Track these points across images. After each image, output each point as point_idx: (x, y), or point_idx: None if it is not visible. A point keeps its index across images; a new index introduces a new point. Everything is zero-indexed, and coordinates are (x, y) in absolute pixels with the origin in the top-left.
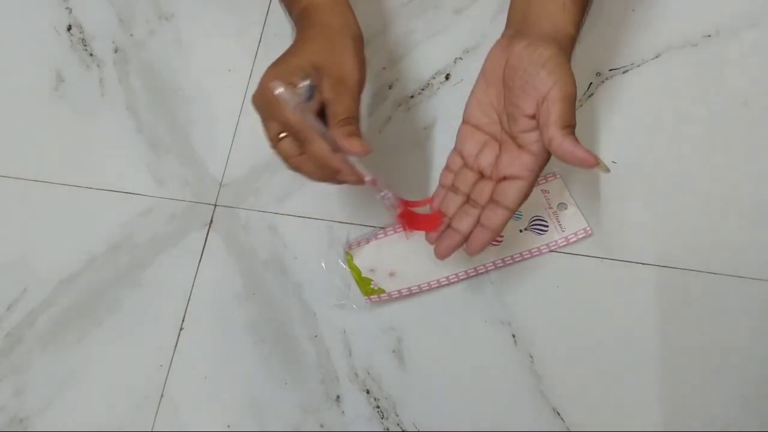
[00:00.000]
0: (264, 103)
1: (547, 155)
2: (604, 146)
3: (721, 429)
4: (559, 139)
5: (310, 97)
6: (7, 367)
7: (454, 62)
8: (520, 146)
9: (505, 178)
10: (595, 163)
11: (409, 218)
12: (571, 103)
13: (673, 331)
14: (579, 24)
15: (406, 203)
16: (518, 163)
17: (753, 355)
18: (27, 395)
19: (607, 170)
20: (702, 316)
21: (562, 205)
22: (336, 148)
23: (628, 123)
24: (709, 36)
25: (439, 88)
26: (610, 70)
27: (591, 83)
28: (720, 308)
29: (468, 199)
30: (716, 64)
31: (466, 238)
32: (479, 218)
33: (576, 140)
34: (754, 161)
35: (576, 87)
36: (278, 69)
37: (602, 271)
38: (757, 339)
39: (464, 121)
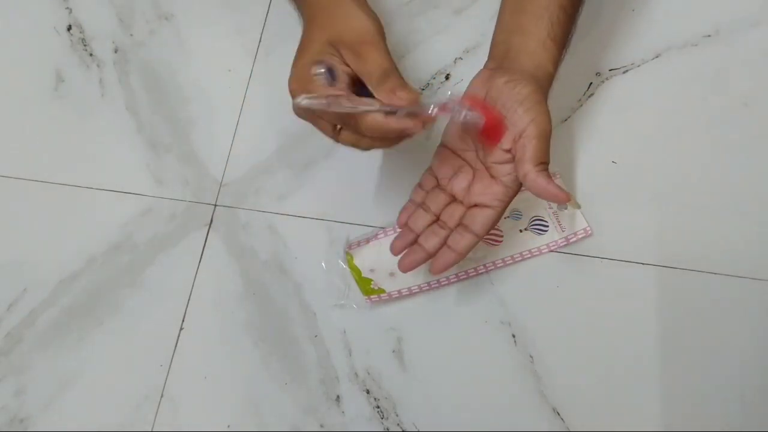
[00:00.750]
0: (302, 111)
1: (517, 187)
2: (604, 146)
3: (721, 429)
4: (533, 175)
5: (332, 78)
6: (7, 367)
7: (454, 62)
8: (493, 176)
9: (476, 205)
10: (567, 199)
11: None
12: (545, 141)
13: (673, 331)
14: (558, 62)
15: (485, 109)
16: (490, 193)
17: (753, 355)
18: (27, 395)
19: (578, 206)
20: (702, 316)
21: (562, 205)
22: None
23: (628, 123)
24: (709, 36)
25: (439, 88)
26: (610, 70)
27: (591, 83)
28: (720, 308)
29: (437, 219)
30: (716, 64)
31: (431, 256)
32: (446, 240)
33: (549, 176)
34: (754, 161)
35: (551, 125)
36: (298, 71)
37: (602, 271)
38: (757, 339)
39: (442, 144)
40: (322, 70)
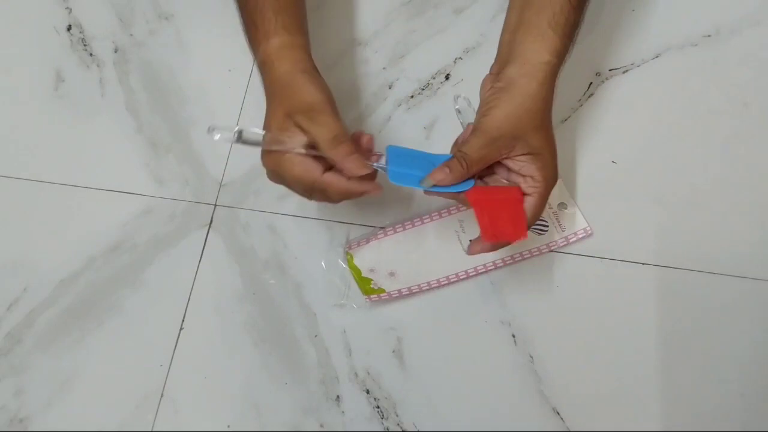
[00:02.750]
0: (277, 179)
1: (541, 176)
2: (604, 146)
3: (721, 429)
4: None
5: (239, 138)
6: (7, 367)
7: (454, 62)
8: (521, 174)
9: None
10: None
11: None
12: (476, 136)
13: (673, 331)
14: (559, 51)
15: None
16: (523, 185)
17: (753, 354)
18: (27, 395)
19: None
20: (702, 316)
21: (562, 205)
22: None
23: (628, 123)
24: (709, 36)
25: (439, 88)
26: (610, 70)
27: (591, 83)
28: (720, 308)
29: None
30: (716, 64)
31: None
32: None
33: (456, 166)
34: (754, 161)
35: (496, 124)
36: (269, 152)
37: (602, 271)
38: (757, 339)
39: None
40: (235, 129)
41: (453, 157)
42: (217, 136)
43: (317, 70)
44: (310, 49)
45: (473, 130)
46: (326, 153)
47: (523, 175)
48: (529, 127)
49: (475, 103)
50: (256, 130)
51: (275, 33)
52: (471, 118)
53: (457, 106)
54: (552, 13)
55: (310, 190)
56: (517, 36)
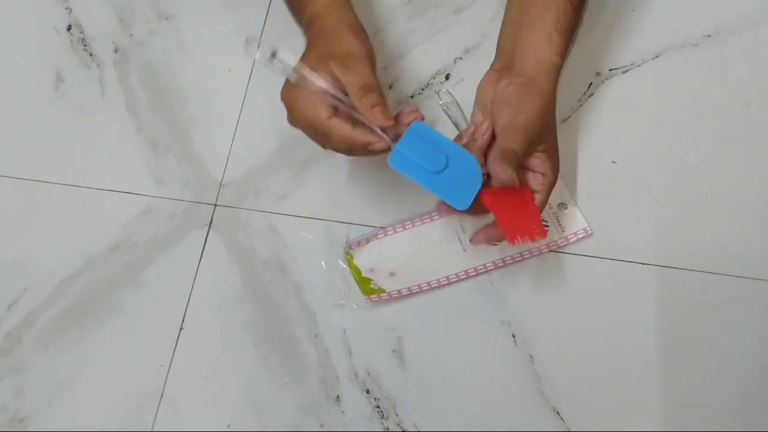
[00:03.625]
0: (290, 117)
1: (551, 173)
2: (604, 146)
3: (721, 429)
4: (497, 162)
5: (272, 56)
6: (7, 367)
7: (454, 62)
8: (529, 170)
9: None
10: (508, 181)
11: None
12: (517, 132)
13: (673, 331)
14: (564, 53)
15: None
16: (532, 182)
17: (753, 354)
18: (27, 395)
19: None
20: (702, 316)
21: (562, 205)
22: (358, 121)
23: (628, 123)
24: (709, 36)
25: (438, 88)
26: (610, 70)
27: (591, 83)
28: (720, 308)
29: None
30: (716, 65)
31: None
32: None
33: (510, 164)
34: (754, 161)
35: (530, 120)
36: (288, 83)
37: (602, 271)
38: (757, 339)
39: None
40: (321, 83)
41: (500, 155)
42: (256, 54)
43: (363, 28)
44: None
45: (510, 128)
46: (354, 99)
47: (536, 172)
48: (550, 125)
49: (461, 98)
50: (292, 55)
51: None
52: (459, 115)
53: (441, 102)
54: (557, 15)
55: (315, 133)
56: (521, 33)
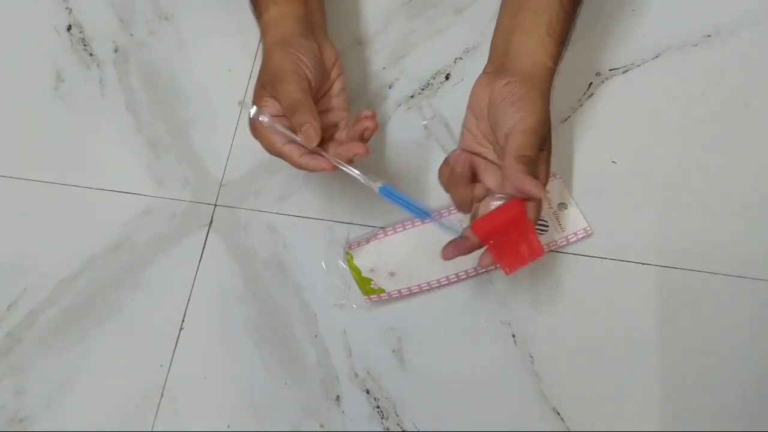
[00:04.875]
0: (253, 135)
1: (546, 173)
2: (604, 146)
3: (721, 429)
4: (512, 168)
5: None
6: (7, 367)
7: (454, 62)
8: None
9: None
10: (539, 195)
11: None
12: (531, 135)
13: (673, 331)
14: (557, 57)
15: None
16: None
17: (753, 354)
18: (27, 395)
19: (561, 206)
20: (702, 316)
21: (562, 205)
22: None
23: (628, 123)
24: (709, 36)
25: (439, 88)
26: (610, 70)
27: (591, 83)
28: (720, 308)
29: None
30: (716, 64)
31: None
32: None
33: (526, 170)
34: (754, 161)
35: (544, 122)
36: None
37: (602, 271)
38: (757, 339)
39: (461, 149)
40: (265, 118)
41: (518, 169)
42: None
43: (306, 36)
44: (311, 13)
45: (519, 132)
46: (288, 120)
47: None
48: (550, 129)
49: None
50: (252, 110)
51: (267, 7)
52: (444, 134)
53: (424, 121)
54: (549, 20)
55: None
56: (514, 38)
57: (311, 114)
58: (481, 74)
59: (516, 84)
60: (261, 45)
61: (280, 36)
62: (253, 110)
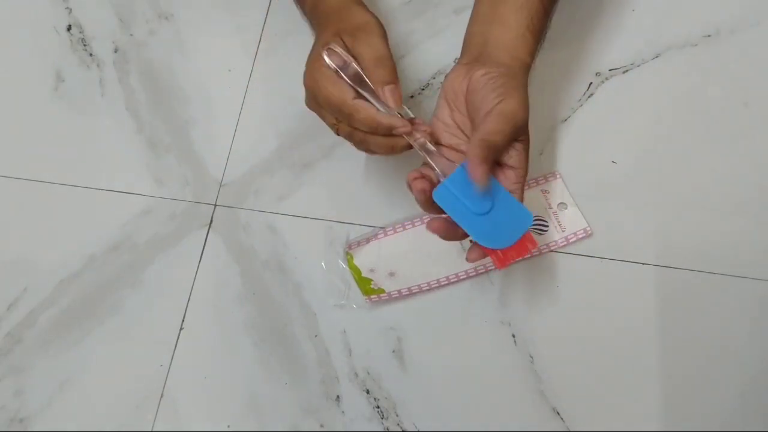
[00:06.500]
0: (312, 99)
1: (525, 167)
2: (604, 146)
3: (721, 429)
4: (470, 151)
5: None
6: (7, 367)
7: (454, 62)
8: (499, 164)
9: None
10: (478, 179)
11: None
12: (506, 120)
13: (673, 330)
14: (534, 53)
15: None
16: (504, 179)
17: (752, 354)
18: (27, 395)
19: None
20: (702, 316)
21: (562, 205)
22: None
23: (628, 123)
24: (709, 36)
25: (439, 88)
26: (610, 70)
27: (591, 83)
28: (720, 308)
29: None
30: (716, 64)
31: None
32: None
33: (483, 153)
34: (754, 161)
35: (521, 111)
36: (312, 61)
37: (602, 271)
38: (757, 339)
39: (437, 143)
40: (333, 66)
41: (478, 151)
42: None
43: (363, 5)
44: None
45: (495, 114)
46: (367, 73)
47: (508, 166)
48: (527, 122)
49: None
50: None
51: None
52: (437, 159)
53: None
54: (530, 16)
55: (338, 113)
56: (493, 31)
57: (396, 75)
58: (455, 65)
59: (496, 75)
60: (319, 8)
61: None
62: (325, 54)
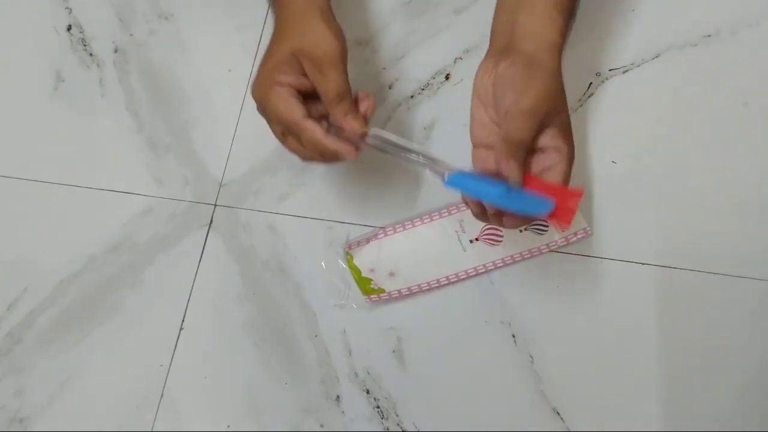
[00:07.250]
0: (261, 111)
1: (565, 144)
2: (604, 146)
3: (721, 429)
4: (497, 150)
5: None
6: (7, 367)
7: (454, 62)
8: (533, 150)
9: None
10: (511, 177)
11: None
12: (523, 117)
13: (673, 330)
14: (565, 31)
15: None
16: (545, 159)
17: (752, 354)
18: (27, 395)
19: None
20: (702, 316)
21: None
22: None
23: (628, 123)
24: (709, 36)
25: (439, 88)
26: (610, 70)
27: (591, 83)
28: (720, 308)
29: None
30: (716, 64)
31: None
32: None
33: (509, 150)
34: (754, 161)
35: (539, 100)
36: (261, 77)
37: (602, 271)
38: (756, 339)
39: (474, 145)
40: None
41: (505, 150)
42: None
43: (332, 13)
44: None
45: (513, 114)
46: (328, 106)
47: (548, 149)
48: (560, 103)
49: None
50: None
51: None
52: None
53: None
54: None
55: (287, 131)
56: (520, 17)
57: (353, 102)
58: (484, 59)
59: (519, 66)
60: (281, 9)
61: (319, 4)
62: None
